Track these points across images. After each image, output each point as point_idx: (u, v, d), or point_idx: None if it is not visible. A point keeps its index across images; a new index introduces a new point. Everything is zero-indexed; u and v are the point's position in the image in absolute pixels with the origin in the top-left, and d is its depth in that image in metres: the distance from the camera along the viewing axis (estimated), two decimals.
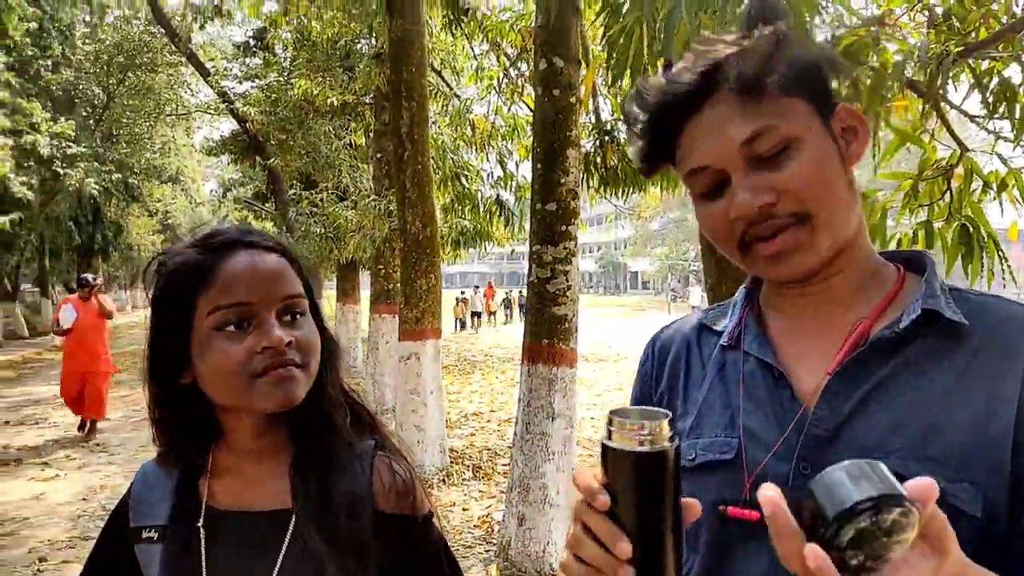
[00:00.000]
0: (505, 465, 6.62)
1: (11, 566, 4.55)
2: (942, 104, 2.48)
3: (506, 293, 33.59)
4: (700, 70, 0.81)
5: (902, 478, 0.59)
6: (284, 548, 0.94)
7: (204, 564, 0.94)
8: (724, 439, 0.86)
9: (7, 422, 9.19)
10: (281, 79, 14.85)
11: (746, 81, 0.79)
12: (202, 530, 0.96)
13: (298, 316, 0.95)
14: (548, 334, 4.47)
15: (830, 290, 0.87)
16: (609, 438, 0.67)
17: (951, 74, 2.26)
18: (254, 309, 0.91)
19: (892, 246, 2.54)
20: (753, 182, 0.79)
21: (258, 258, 0.93)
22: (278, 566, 0.93)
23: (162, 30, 17.82)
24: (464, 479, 6.35)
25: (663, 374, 1.00)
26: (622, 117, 0.95)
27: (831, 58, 0.86)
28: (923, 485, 0.57)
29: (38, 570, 4.49)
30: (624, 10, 2.83)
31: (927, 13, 2.48)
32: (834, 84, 0.84)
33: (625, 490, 0.66)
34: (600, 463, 0.69)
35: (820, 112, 0.81)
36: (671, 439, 0.66)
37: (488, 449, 7.37)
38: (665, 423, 0.66)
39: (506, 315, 31.47)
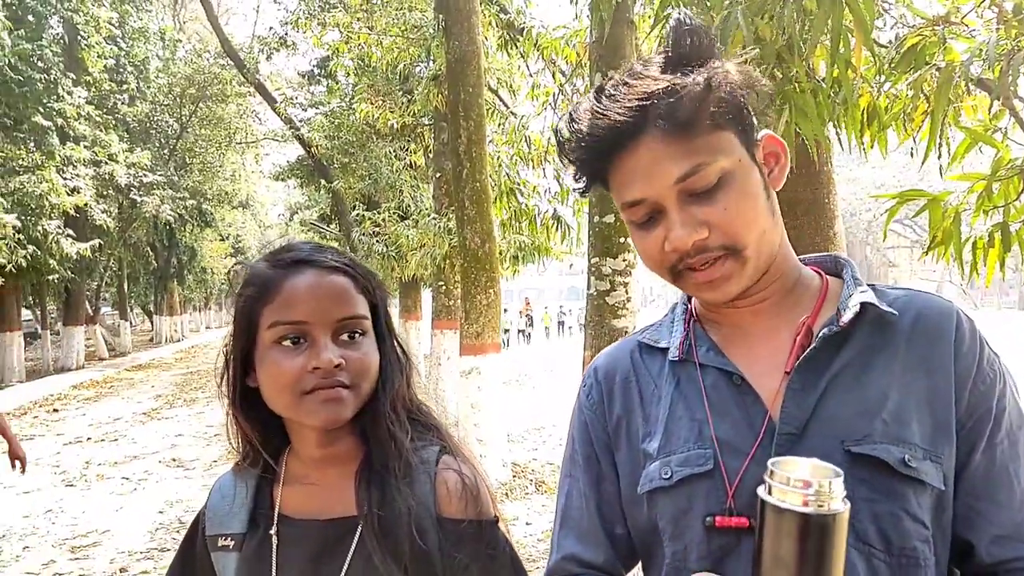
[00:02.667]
0: None
1: (94, 575, 4.76)
2: (1014, 101, 2.39)
3: (544, 309, 33.29)
4: (631, 105, 0.82)
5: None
6: (350, 556, 0.96)
7: (274, 571, 0.98)
8: (698, 451, 0.87)
9: (89, 438, 9.63)
10: (343, 104, 15.29)
11: (678, 121, 0.81)
12: (274, 537, 0.99)
13: (357, 336, 0.97)
14: (608, 346, 4.44)
15: (759, 301, 0.91)
16: (768, 492, 0.63)
17: (1022, 70, 2.18)
18: (309, 328, 0.94)
19: (967, 250, 2.45)
20: (686, 217, 0.83)
21: (320, 278, 0.96)
22: (344, 571, 0.95)
23: (231, 62, 18.59)
24: (527, 493, 6.34)
25: (614, 400, 0.99)
26: (554, 138, 0.94)
27: (752, 82, 0.87)
28: None
29: None
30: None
31: (996, 9, 2.40)
32: (752, 104, 0.87)
33: (784, 555, 0.60)
34: (757, 518, 0.66)
35: (746, 143, 0.85)
36: (844, 499, 0.61)
37: (551, 463, 7.34)
38: (839, 481, 0.61)
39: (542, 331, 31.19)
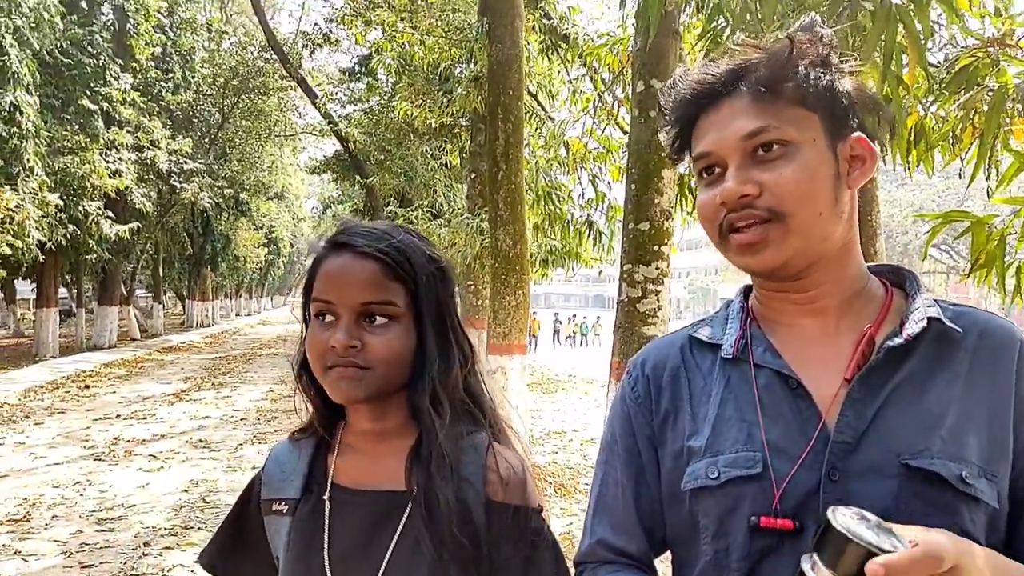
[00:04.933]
0: (587, 484, 6.58)
1: (119, 548, 4.87)
2: None
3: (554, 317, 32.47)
4: (728, 67, 0.89)
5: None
6: (400, 530, 0.99)
7: (327, 537, 1.01)
8: (747, 454, 0.87)
9: (119, 416, 9.83)
10: (383, 102, 15.43)
11: (763, 81, 0.86)
12: (327, 504, 1.03)
13: (383, 321, 0.99)
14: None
15: (816, 300, 0.91)
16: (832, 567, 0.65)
17: None
18: (334, 308, 0.99)
19: (1011, 273, 2.43)
20: (742, 175, 0.85)
21: (349, 262, 1.00)
22: (392, 544, 0.98)
23: (275, 56, 18.88)
24: (545, 495, 6.35)
25: (662, 394, 0.98)
26: (658, 102, 1.02)
27: (869, 98, 0.91)
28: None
29: (143, 553, 4.78)
30: (725, 35, 2.84)
31: None
32: (867, 122, 0.90)
33: None
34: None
35: (830, 132, 0.86)
36: None
37: (570, 468, 7.35)
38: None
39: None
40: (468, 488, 0.99)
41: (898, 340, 0.84)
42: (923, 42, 1.89)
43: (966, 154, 2.52)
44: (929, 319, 0.85)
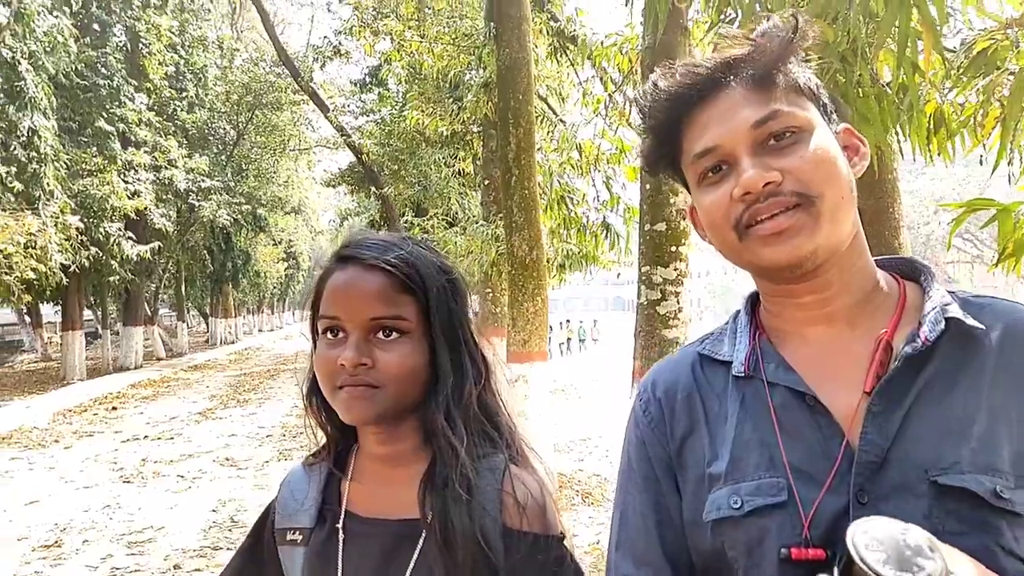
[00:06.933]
0: (614, 490, 6.51)
1: (149, 571, 4.88)
2: None
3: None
4: (717, 60, 0.84)
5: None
6: (414, 560, 0.95)
7: (340, 568, 0.98)
8: (770, 480, 0.81)
9: (146, 436, 9.91)
10: (394, 112, 15.48)
11: (761, 70, 0.82)
12: (341, 533, 1.00)
13: (394, 336, 0.95)
14: (659, 357, 4.38)
15: (827, 303, 0.85)
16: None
17: None
18: (342, 324, 0.95)
19: None
20: (759, 163, 0.80)
21: (356, 276, 0.96)
22: (407, 575, 0.94)
23: (286, 71, 19.02)
24: (573, 504, 6.29)
25: (676, 417, 0.93)
26: (635, 106, 0.93)
27: (832, 95, 0.89)
28: None
29: None
30: (737, 27, 2.78)
31: None
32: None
33: None
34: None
35: (825, 120, 0.85)
36: None
37: (597, 475, 7.28)
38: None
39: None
40: (484, 515, 0.94)
41: (917, 346, 0.78)
42: (939, 26, 1.82)
43: (988, 140, 2.44)
44: (947, 319, 0.79)
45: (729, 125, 0.82)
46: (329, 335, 0.96)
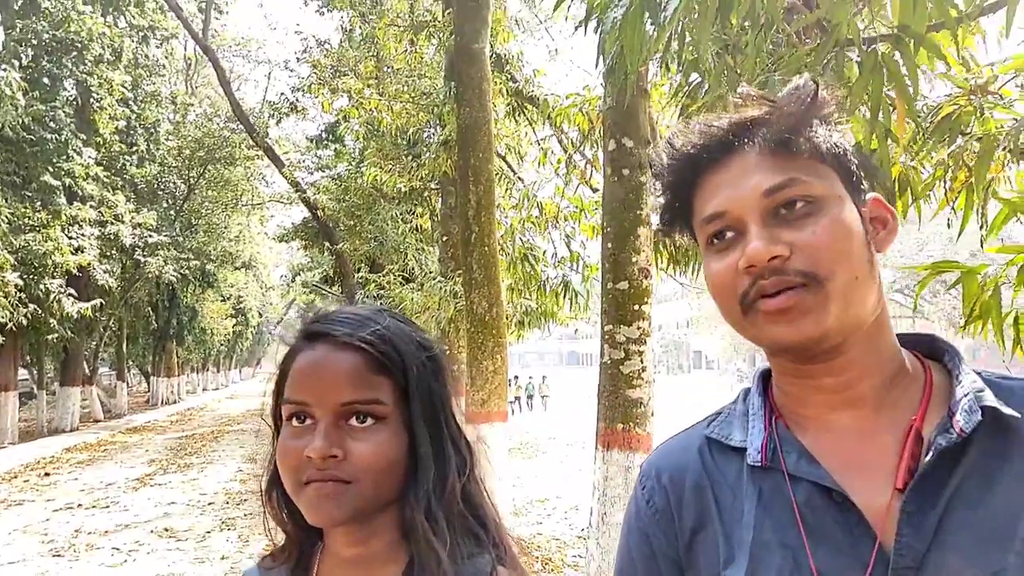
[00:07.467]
0: (575, 556, 6.31)
1: None
2: None
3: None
4: (733, 121, 0.80)
5: None
6: None
7: None
8: None
9: (80, 504, 9.33)
10: (351, 168, 15.45)
11: (779, 134, 0.77)
12: None
13: (368, 422, 0.85)
14: (623, 418, 4.30)
15: (850, 386, 0.77)
16: None
17: None
18: (310, 410, 0.84)
19: (1009, 323, 2.35)
20: (767, 234, 0.74)
21: (327, 355, 0.86)
22: None
23: (241, 126, 18.92)
24: (534, 572, 6.07)
25: (685, 510, 0.84)
26: (649, 167, 0.89)
27: (866, 159, 0.84)
28: None
29: None
30: (702, 92, 2.80)
31: None
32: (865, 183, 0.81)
33: None
34: None
35: (850, 190, 0.78)
36: None
37: (556, 539, 7.07)
38: None
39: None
40: None
41: (951, 438, 0.71)
42: (914, 92, 1.84)
43: (954, 202, 2.47)
44: (983, 407, 0.72)
45: (739, 191, 0.77)
46: (295, 421, 0.85)
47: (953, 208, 2.45)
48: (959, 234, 2.40)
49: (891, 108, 1.97)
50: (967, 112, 2.24)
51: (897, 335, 0.83)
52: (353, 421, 0.84)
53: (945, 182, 2.38)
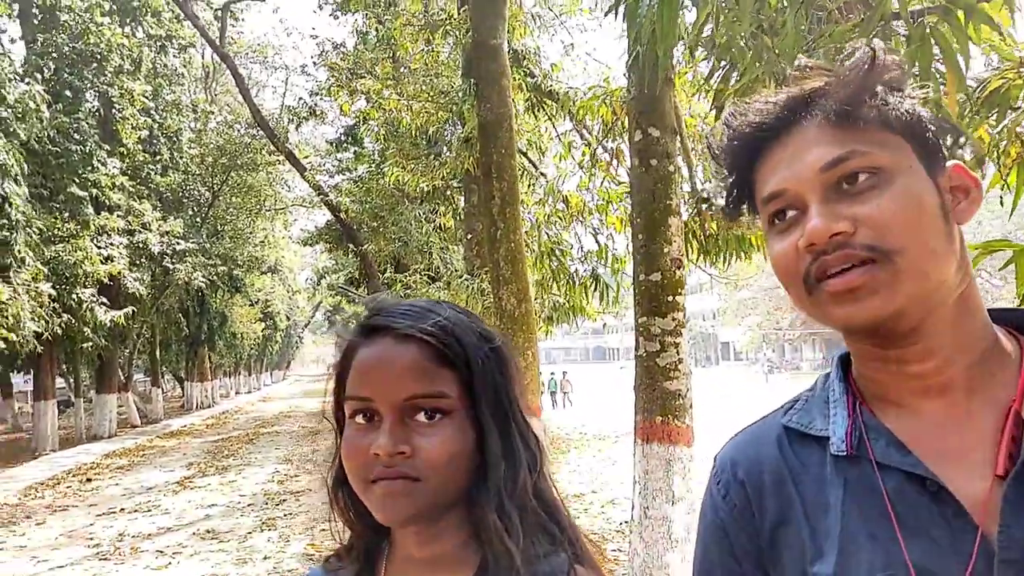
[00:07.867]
0: (615, 551, 6.28)
1: None
2: None
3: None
4: (792, 94, 0.76)
5: None
6: None
7: None
8: None
9: (122, 509, 9.48)
10: (372, 169, 15.51)
11: (839, 104, 0.72)
12: None
13: (435, 417, 0.82)
14: (662, 411, 4.25)
15: (940, 371, 0.72)
16: None
17: None
18: (374, 406, 0.82)
19: None
20: (828, 210, 0.70)
21: (388, 349, 0.83)
22: None
23: (261, 132, 19.08)
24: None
25: (765, 504, 0.80)
26: (708, 149, 0.86)
27: (948, 123, 0.77)
28: None
29: None
30: (734, 76, 2.74)
31: None
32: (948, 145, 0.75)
33: None
34: None
35: (924, 160, 0.72)
36: None
37: (595, 532, 7.04)
38: None
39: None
40: None
41: None
42: (965, 63, 1.78)
43: (1007, 177, 2.39)
44: None
45: (797, 167, 0.73)
46: (359, 419, 0.82)
47: (1006, 182, 2.37)
48: (1011, 212, 2.33)
49: (940, 82, 1.91)
50: (1016, 86, 2.16)
51: (988, 310, 0.78)
52: (419, 417, 0.81)
53: (998, 158, 2.31)
